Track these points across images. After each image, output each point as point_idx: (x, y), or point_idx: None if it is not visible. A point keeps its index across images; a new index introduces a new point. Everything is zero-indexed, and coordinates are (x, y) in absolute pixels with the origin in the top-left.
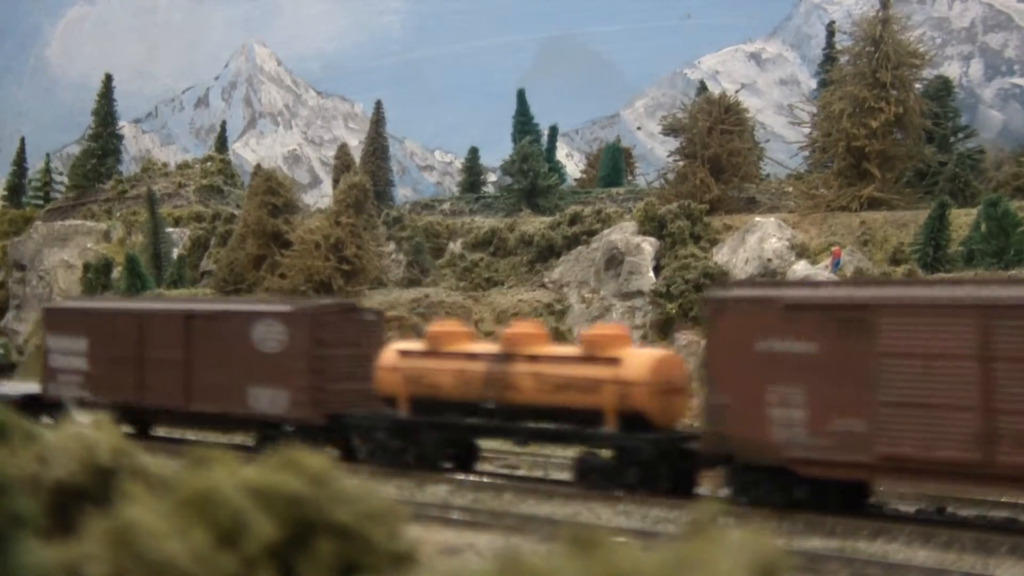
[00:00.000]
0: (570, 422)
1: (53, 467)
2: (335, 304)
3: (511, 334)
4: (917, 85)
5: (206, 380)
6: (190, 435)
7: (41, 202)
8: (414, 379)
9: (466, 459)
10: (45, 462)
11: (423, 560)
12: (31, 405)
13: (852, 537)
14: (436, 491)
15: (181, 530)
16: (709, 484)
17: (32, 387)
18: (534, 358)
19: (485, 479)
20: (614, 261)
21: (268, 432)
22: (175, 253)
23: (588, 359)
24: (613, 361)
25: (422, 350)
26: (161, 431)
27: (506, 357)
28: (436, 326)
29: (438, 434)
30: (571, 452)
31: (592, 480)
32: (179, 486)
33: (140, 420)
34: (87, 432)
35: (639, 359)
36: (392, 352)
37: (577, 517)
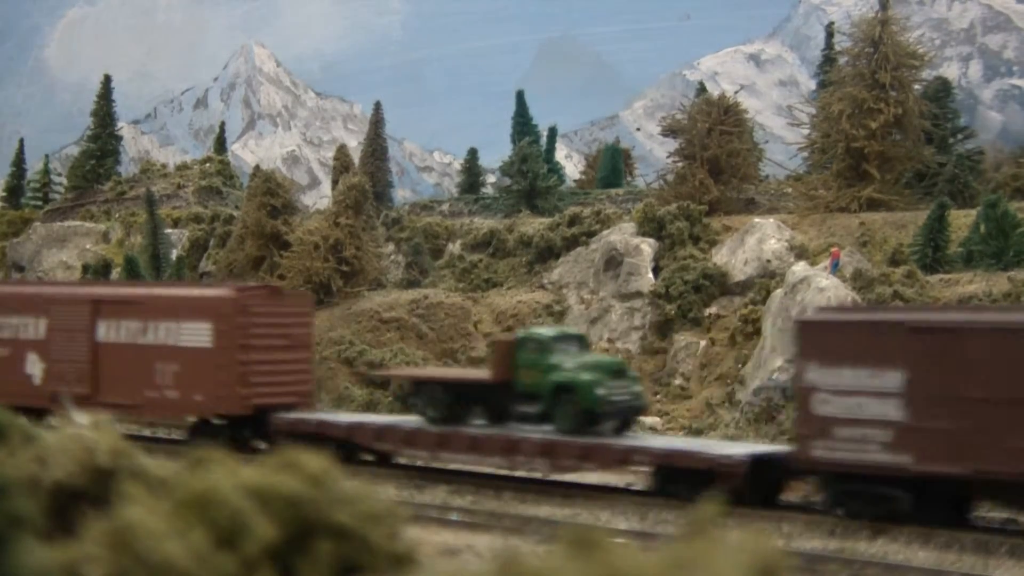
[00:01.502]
0: None
1: (52, 468)
2: None
3: None
4: (916, 86)
5: None
6: None
7: (40, 203)
8: None
9: None
10: (44, 463)
11: (422, 561)
12: (764, 475)
13: (852, 538)
14: (435, 492)
15: (180, 531)
16: None
17: (752, 447)
18: None
19: (485, 479)
20: (613, 262)
21: None
22: (174, 254)
23: None
24: None
25: None
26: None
27: None
28: None
29: None
30: None
31: None
32: (178, 487)
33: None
34: (86, 433)
35: None
36: None
37: (576, 518)
